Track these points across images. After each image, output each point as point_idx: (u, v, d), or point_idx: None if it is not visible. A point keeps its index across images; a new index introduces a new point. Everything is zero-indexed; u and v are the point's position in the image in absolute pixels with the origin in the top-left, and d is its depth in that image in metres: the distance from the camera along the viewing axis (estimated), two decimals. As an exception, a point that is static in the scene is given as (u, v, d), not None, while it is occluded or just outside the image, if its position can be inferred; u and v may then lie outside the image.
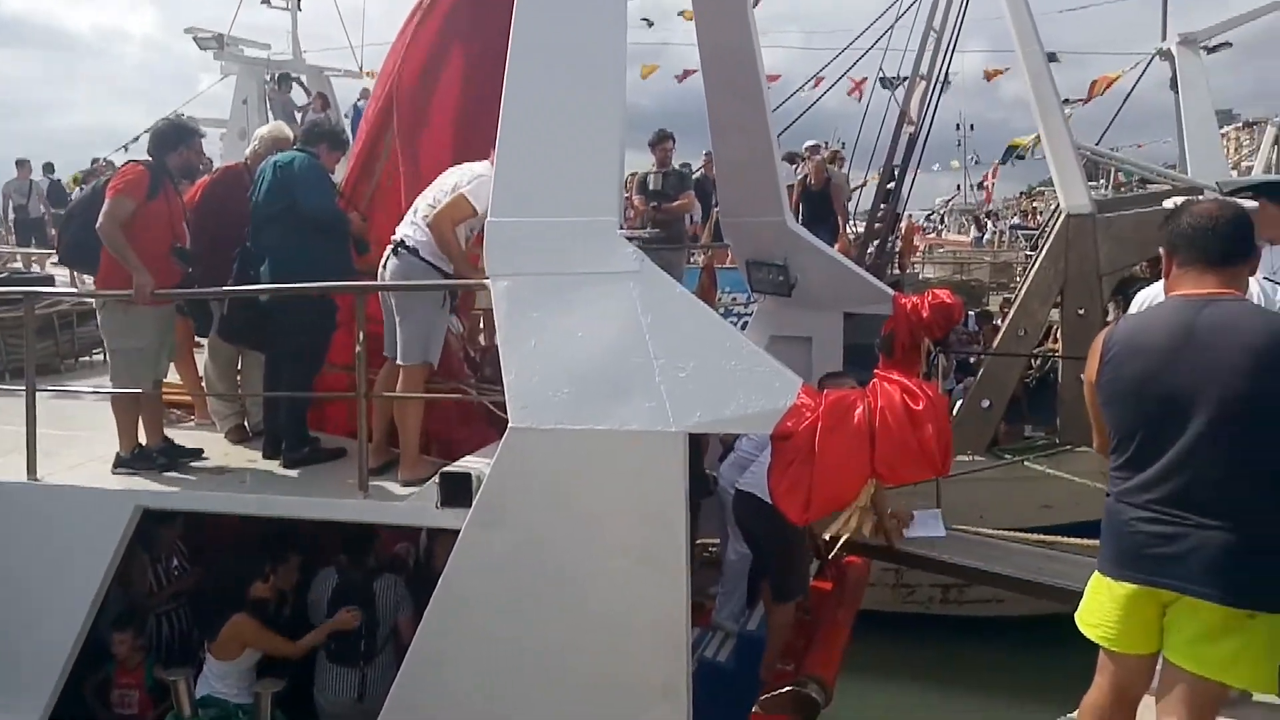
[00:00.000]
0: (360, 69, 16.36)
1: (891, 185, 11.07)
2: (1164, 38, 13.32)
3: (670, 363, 3.55)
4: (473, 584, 3.85)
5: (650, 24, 19.22)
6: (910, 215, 20.19)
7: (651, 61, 20.14)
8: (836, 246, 9.29)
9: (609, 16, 3.81)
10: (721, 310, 9.85)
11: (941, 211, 41.06)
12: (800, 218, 9.79)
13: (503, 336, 3.80)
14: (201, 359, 5.78)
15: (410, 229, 4.53)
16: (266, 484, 4.75)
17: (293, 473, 4.83)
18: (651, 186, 9.28)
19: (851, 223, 12.58)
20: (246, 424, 5.60)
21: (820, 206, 10.60)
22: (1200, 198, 2.89)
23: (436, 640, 3.97)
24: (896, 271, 12.25)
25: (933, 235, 31.47)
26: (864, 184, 13.97)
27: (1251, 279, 2.96)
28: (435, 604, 3.93)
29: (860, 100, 13.35)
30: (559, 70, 3.82)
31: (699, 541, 6.30)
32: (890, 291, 6.02)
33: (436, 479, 4.02)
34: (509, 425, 3.69)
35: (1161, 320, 2.66)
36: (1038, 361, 10.43)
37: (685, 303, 3.78)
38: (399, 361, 4.54)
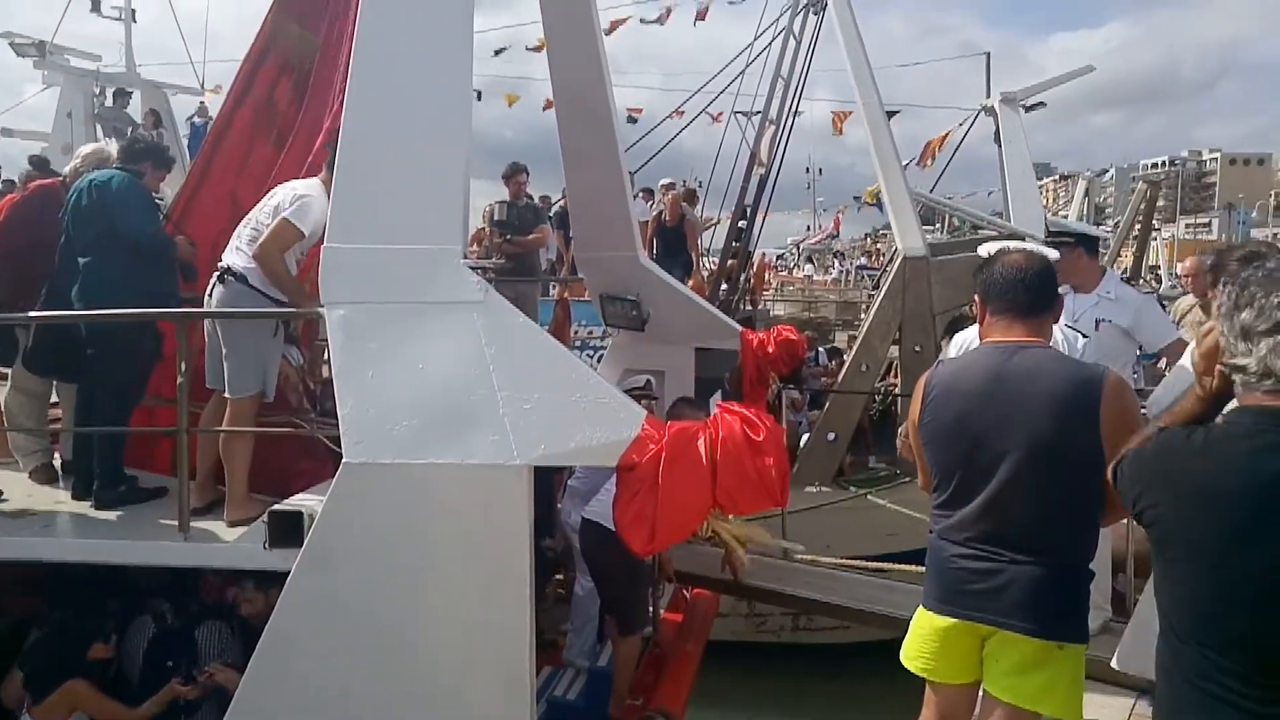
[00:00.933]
0: (202, 85, 15.60)
1: (744, 224, 11.43)
2: (988, 95, 14.40)
3: (514, 395, 3.46)
4: (303, 629, 3.62)
5: (498, 53, 19.14)
6: (764, 253, 20.90)
7: (514, 92, 20.05)
8: (691, 283, 9.49)
9: (454, 38, 3.71)
10: (577, 343, 9.86)
11: (793, 250, 42.74)
12: (655, 253, 9.98)
13: (338, 367, 3.60)
14: (2, 391, 5.28)
15: (236, 256, 4.30)
16: (75, 528, 4.34)
17: (107, 515, 4.43)
18: (496, 217, 9.22)
19: (705, 259, 12.88)
20: (58, 462, 5.15)
21: (675, 243, 10.82)
22: (1011, 246, 3.05)
23: (263, 690, 3.69)
24: (749, 308, 12.59)
25: (784, 273, 32.76)
26: (717, 222, 14.35)
27: (1055, 326, 3.13)
28: (261, 651, 3.67)
29: (721, 127, 13.72)
30: (402, 92, 3.70)
31: (555, 577, 6.21)
32: (738, 327, 6.17)
33: (265, 518, 3.79)
34: (343, 460, 3.51)
35: (976, 365, 2.78)
36: (880, 396, 10.92)
37: (530, 334, 3.72)
38: (227, 394, 4.28)
